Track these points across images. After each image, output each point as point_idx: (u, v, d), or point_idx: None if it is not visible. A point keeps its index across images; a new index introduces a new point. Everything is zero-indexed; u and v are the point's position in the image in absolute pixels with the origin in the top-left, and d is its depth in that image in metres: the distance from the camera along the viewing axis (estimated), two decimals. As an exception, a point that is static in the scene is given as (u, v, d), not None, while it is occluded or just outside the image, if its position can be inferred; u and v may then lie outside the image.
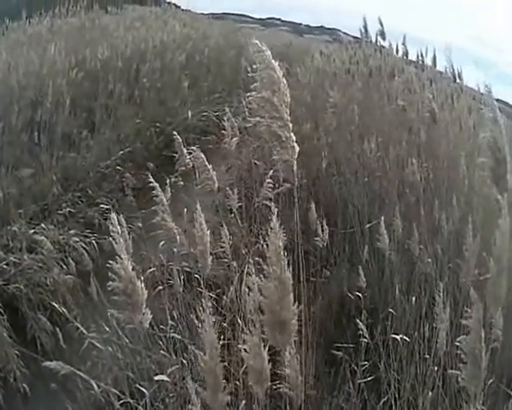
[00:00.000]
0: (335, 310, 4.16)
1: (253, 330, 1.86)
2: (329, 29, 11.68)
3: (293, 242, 3.80)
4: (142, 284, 2.20)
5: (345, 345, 3.61)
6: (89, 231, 5.33)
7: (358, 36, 7.60)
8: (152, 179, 3.21)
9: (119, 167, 6.35)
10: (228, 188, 4.10)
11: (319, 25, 12.18)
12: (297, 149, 2.05)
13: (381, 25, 6.68)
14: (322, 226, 3.77)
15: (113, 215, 2.26)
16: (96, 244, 4.97)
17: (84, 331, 3.62)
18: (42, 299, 4.48)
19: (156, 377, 2.88)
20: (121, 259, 2.14)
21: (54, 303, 4.08)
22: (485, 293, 1.97)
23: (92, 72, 7.75)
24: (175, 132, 4.05)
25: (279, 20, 13.09)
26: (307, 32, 12.22)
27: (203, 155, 3.47)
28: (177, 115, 7.70)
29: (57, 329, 3.90)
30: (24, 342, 4.07)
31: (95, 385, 3.08)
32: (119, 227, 2.23)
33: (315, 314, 3.75)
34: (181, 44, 9.21)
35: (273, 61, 1.93)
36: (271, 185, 3.89)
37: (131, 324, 2.28)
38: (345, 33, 10.18)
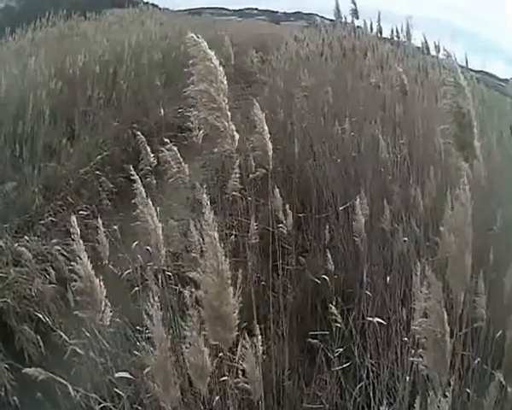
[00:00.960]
0: (311, 297, 4.09)
1: (192, 325, 1.82)
2: (306, 14, 11.69)
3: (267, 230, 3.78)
4: (101, 283, 2.20)
5: (321, 332, 3.52)
6: (71, 238, 5.29)
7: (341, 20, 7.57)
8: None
9: (98, 172, 6.31)
10: (198, 183, 4.06)
11: (296, 11, 12.15)
12: (237, 137, 2.02)
13: (354, 4, 6.59)
14: (285, 212, 3.69)
15: (73, 218, 2.26)
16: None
17: (67, 339, 3.61)
18: (28, 311, 4.46)
19: (116, 375, 2.85)
20: (81, 259, 2.18)
21: (38, 314, 4.09)
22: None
23: (71, 79, 7.78)
24: (138, 133, 4.03)
25: (256, 9, 13.03)
26: (284, 20, 12.13)
27: (175, 151, 3.47)
28: (154, 115, 7.66)
29: (43, 339, 3.91)
30: (13, 354, 4.06)
31: (71, 390, 3.06)
32: (77, 228, 2.24)
33: (290, 303, 3.73)
34: (157, 43, 9.20)
35: (209, 51, 1.91)
36: (239, 176, 3.85)
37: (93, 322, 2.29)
38: (322, 17, 10.09)
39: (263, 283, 3.72)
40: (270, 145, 2.81)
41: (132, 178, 2.93)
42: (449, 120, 2.08)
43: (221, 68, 1.95)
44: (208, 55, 1.92)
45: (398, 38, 6.76)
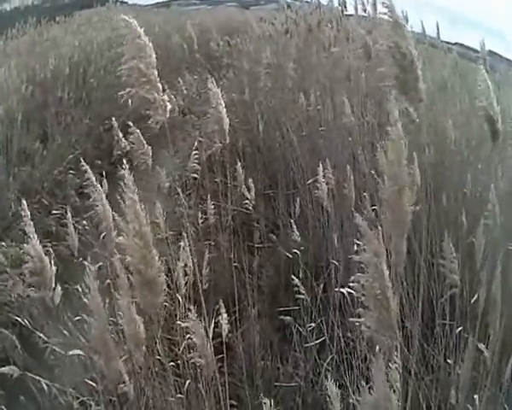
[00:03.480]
0: (284, 273, 4.05)
1: (123, 292, 1.80)
2: None
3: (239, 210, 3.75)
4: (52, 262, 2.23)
5: (292, 309, 3.49)
6: (47, 239, 5.27)
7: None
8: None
9: (71, 172, 6.26)
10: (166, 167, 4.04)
11: None
12: (169, 107, 2.05)
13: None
14: (249, 187, 3.66)
15: (23, 202, 2.32)
16: (53, 251, 4.92)
17: (47, 340, 3.59)
18: (10, 317, 4.44)
19: (70, 352, 2.84)
20: (31, 239, 2.21)
21: (19, 318, 4.06)
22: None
23: (42, 83, 7.75)
24: (113, 119, 4.04)
25: None
26: (254, 4, 11.99)
27: (139, 134, 3.46)
28: (123, 108, 7.61)
29: (25, 342, 3.88)
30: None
31: (45, 387, 3.06)
32: (28, 212, 2.30)
33: (264, 281, 3.71)
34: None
35: (139, 29, 1.97)
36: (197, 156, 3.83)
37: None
38: (291, -1, 10.04)
39: (235, 264, 3.68)
40: (226, 119, 2.80)
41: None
42: (389, 62, 1.97)
43: (150, 44, 1.99)
44: (138, 33, 1.97)
45: (365, 11, 6.75)
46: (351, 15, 6.78)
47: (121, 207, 2.09)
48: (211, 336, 2.76)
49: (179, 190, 4.18)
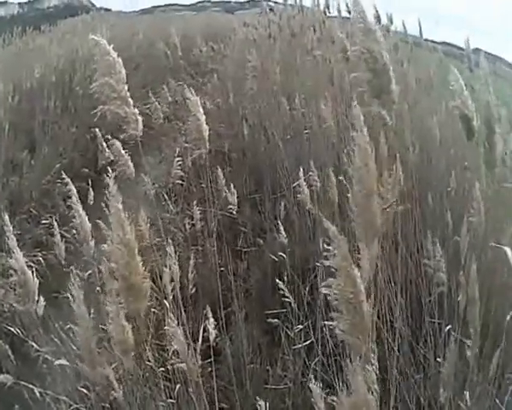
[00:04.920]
0: (271, 277, 4.08)
1: (110, 299, 1.85)
2: (259, 1, 11.55)
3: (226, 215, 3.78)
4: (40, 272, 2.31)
5: (279, 311, 3.51)
6: (37, 249, 5.29)
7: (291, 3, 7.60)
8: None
9: (59, 181, 6.28)
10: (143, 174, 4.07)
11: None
12: (140, 121, 2.20)
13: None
14: (230, 192, 3.70)
15: (6, 217, 2.51)
16: (43, 260, 4.95)
17: (39, 349, 3.61)
18: (2, 327, 4.45)
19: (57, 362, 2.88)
20: (14, 253, 2.36)
21: (12, 328, 4.08)
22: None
23: (29, 93, 7.80)
24: (96, 130, 4.11)
25: (209, 1, 12.97)
26: (238, 9, 12.02)
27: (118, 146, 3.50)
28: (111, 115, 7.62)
29: (17, 352, 3.91)
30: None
31: (37, 393, 3.09)
32: (10, 226, 2.46)
33: (251, 285, 3.74)
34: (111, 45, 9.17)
35: (108, 47, 2.10)
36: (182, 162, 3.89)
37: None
38: (275, 2, 10.08)
39: (222, 268, 3.71)
40: (205, 127, 2.86)
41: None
42: (362, 67, 2.07)
43: (120, 60, 2.15)
44: (107, 50, 2.11)
45: (349, 12, 6.81)
46: (335, 17, 6.87)
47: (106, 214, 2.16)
48: (200, 340, 2.84)
49: (166, 196, 4.24)
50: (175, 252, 3.48)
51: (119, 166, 3.53)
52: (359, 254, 1.75)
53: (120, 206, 1.80)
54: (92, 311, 2.27)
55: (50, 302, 3.29)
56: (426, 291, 3.12)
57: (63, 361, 2.88)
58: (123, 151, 3.53)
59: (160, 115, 4.63)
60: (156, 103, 4.56)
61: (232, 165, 5.09)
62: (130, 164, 3.54)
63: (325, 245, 1.56)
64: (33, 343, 3.65)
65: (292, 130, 4.94)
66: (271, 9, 8.10)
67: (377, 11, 6.71)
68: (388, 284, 2.96)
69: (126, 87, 2.17)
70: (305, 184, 3.41)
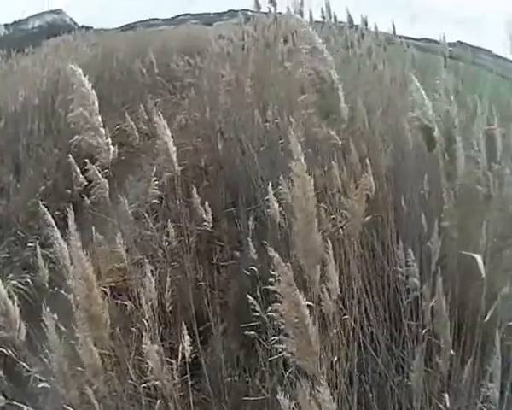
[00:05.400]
0: (248, 289, 4.14)
1: (79, 327, 1.96)
2: (237, 11, 11.53)
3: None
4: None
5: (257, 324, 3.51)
6: (25, 271, 5.38)
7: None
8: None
9: (44, 203, 6.36)
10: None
11: (228, 9, 12.03)
12: (112, 150, 2.31)
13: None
14: (205, 209, 3.77)
15: None
16: (31, 281, 5.04)
17: (29, 369, 3.69)
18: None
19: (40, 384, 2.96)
20: None
21: (3, 349, 4.16)
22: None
23: (13, 115, 7.92)
24: (69, 156, 4.21)
25: (188, 14, 13.00)
26: (217, 20, 11.99)
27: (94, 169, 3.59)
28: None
29: (9, 373, 3.98)
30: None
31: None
32: None
33: (229, 298, 3.81)
34: (90, 65, 9.27)
35: (83, 78, 2.20)
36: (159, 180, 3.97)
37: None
38: (252, 11, 10.14)
39: (200, 283, 3.78)
40: (172, 149, 2.96)
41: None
42: (310, 90, 2.11)
43: (93, 91, 2.24)
44: (82, 81, 2.20)
45: (324, 18, 6.93)
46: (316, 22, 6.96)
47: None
48: (180, 356, 2.93)
49: (145, 214, 4.32)
50: (155, 268, 3.58)
51: (96, 189, 3.64)
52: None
53: (79, 243, 1.92)
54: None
55: (36, 323, 3.39)
56: (405, 295, 3.15)
57: (45, 384, 2.95)
58: (99, 175, 3.63)
59: (135, 135, 4.71)
60: (132, 123, 4.64)
61: (209, 179, 5.17)
62: (107, 186, 3.65)
63: (271, 271, 1.64)
64: (24, 364, 3.74)
65: (266, 141, 5.00)
66: (249, 18, 8.16)
67: (349, 15, 6.85)
68: (365, 290, 3.03)
69: (99, 118, 2.26)
70: (274, 198, 3.47)
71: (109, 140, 2.31)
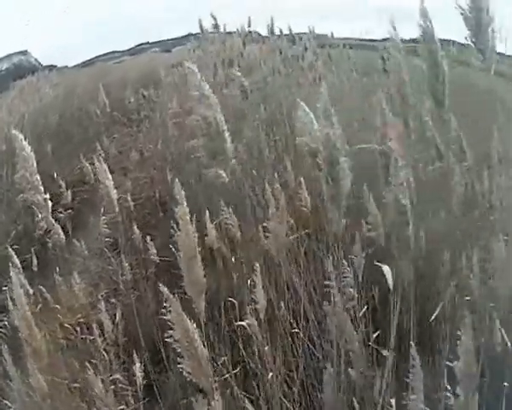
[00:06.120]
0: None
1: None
2: (195, 34, 11.61)
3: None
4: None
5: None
6: (3, 314, 5.61)
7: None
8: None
9: (15, 247, 6.58)
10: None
11: (187, 33, 12.05)
12: (49, 205, 2.85)
13: (214, 18, 6.98)
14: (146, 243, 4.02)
15: None
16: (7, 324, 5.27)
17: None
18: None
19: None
20: None
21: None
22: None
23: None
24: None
25: (147, 43, 13.09)
26: (176, 45, 12.08)
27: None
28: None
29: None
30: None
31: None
32: None
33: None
34: (53, 105, 9.50)
35: (24, 143, 2.67)
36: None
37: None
38: (211, 32, 10.36)
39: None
40: (113, 192, 3.25)
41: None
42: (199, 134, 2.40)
43: (32, 154, 2.69)
44: (23, 146, 2.66)
45: (273, 33, 7.25)
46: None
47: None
48: (140, 380, 3.20)
49: (105, 249, 4.58)
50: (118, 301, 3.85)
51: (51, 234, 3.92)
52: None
53: (21, 291, 2.37)
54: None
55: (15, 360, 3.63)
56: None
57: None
58: (53, 221, 3.90)
59: (91, 175, 4.97)
60: (87, 164, 4.90)
61: (164, 210, 5.41)
62: (60, 231, 3.93)
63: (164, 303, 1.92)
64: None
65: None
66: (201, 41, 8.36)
67: (272, 24, 7.13)
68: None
69: (38, 177, 2.74)
70: (210, 225, 3.73)
71: (48, 196, 2.80)
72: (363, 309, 3.07)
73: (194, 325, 1.91)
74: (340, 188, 2.37)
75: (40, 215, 2.86)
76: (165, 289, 1.91)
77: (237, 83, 4.96)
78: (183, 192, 2.06)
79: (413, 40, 2.72)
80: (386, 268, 2.51)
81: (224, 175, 2.51)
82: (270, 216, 3.08)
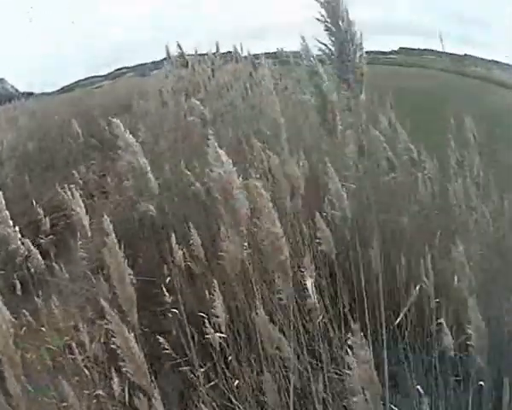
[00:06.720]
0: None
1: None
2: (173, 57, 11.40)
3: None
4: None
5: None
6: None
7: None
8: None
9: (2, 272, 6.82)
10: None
11: (164, 57, 11.95)
12: (18, 237, 3.33)
13: (180, 47, 7.33)
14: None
15: None
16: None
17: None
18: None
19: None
20: None
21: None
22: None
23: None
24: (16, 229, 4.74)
25: (126, 67, 13.01)
26: (151, 69, 11.92)
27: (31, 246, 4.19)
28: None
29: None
30: None
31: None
32: None
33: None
34: (32, 133, 9.74)
35: None
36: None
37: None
38: (190, 54, 10.43)
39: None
40: (84, 218, 3.60)
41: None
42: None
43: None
44: None
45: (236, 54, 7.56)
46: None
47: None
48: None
49: (89, 273, 4.88)
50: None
51: (32, 260, 4.24)
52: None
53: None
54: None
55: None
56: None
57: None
58: (32, 247, 4.23)
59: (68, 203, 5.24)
60: (62, 192, 5.15)
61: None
62: (39, 258, 4.26)
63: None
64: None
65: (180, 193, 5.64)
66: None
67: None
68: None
69: (7, 212, 3.18)
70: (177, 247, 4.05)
71: (17, 229, 3.22)
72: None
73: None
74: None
75: (12, 246, 3.17)
76: (105, 304, 2.24)
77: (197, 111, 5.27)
78: (110, 227, 2.40)
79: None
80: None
81: (152, 208, 2.88)
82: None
